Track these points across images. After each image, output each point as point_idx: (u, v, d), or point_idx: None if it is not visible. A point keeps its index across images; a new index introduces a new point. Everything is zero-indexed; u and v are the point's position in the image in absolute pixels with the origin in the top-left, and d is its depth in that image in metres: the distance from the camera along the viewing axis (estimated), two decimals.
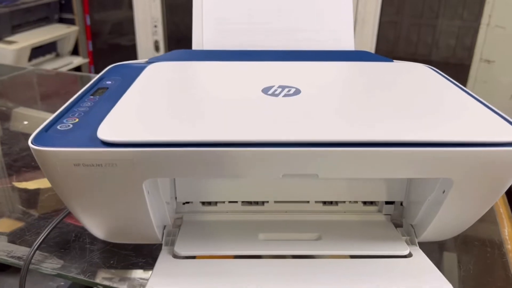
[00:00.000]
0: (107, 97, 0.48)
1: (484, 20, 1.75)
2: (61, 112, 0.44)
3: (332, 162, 0.38)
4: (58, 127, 0.41)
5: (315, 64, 0.57)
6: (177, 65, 0.57)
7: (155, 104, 0.44)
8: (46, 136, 0.40)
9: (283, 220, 0.51)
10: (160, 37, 2.06)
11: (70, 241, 0.50)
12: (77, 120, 0.43)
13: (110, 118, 0.41)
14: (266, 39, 0.64)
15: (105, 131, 0.38)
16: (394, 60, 0.61)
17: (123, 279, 0.45)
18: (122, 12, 2.18)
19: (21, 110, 0.93)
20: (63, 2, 2.10)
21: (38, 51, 1.92)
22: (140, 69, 0.56)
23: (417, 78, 0.53)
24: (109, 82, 0.53)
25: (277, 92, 0.47)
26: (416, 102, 0.45)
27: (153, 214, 0.43)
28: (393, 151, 0.37)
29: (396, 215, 0.52)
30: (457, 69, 1.96)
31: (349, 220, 0.51)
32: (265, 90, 0.48)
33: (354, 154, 0.38)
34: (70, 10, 2.12)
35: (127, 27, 2.16)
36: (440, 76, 0.53)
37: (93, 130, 0.40)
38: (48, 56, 2.01)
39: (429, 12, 1.96)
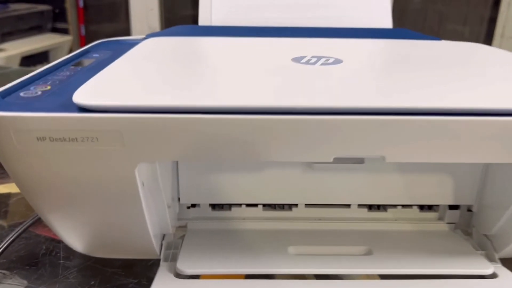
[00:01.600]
0: (91, 68, 0.37)
1: (498, 31, 1.67)
2: (28, 78, 0.33)
3: (407, 137, 0.27)
4: (22, 94, 0.30)
5: (350, 40, 0.47)
6: (183, 39, 0.46)
7: (152, 71, 0.33)
8: (2, 103, 0.28)
9: (316, 230, 0.39)
10: None
11: (38, 255, 0.38)
12: (48, 87, 0.32)
13: (92, 82, 0.30)
14: (288, 16, 0.53)
15: (83, 94, 0.27)
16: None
17: None
18: (118, 24, 2.10)
19: None
20: (57, 11, 2.01)
21: (28, 60, 1.82)
22: (133, 44, 0.45)
23: (479, 54, 0.42)
24: (96, 55, 0.43)
25: (312, 61, 0.37)
26: (489, 73, 0.34)
27: (150, 218, 0.32)
28: (494, 121, 0.26)
29: (463, 224, 0.40)
30: None
31: (402, 230, 0.40)
32: (297, 59, 0.37)
33: (442, 125, 0.26)
34: (64, 20, 2.02)
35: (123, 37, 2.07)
36: (502, 50, 0.43)
37: (68, 98, 0.28)
38: (39, 66, 1.90)
39: (429, 31, 1.89)
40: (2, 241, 0.39)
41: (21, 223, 0.43)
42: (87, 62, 0.40)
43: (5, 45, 1.75)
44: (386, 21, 0.54)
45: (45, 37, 1.94)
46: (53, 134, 0.26)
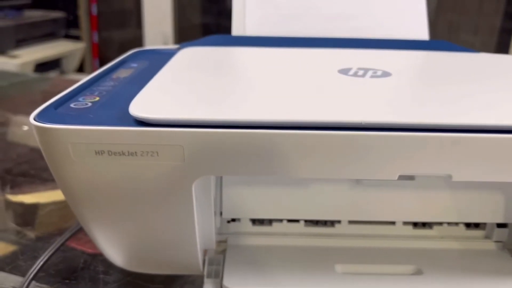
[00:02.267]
0: (134, 78, 0.37)
1: None
2: (74, 89, 0.33)
3: (476, 155, 0.26)
4: (72, 105, 0.29)
5: (392, 52, 0.46)
6: (221, 49, 0.46)
7: (202, 82, 0.33)
8: (55, 113, 0.27)
9: (361, 248, 0.38)
10: None
11: (77, 269, 0.37)
12: (97, 98, 0.31)
13: (145, 93, 0.29)
14: (323, 26, 0.53)
15: (141, 106, 0.26)
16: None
17: None
18: (131, 30, 2.10)
19: (21, 118, 0.81)
20: (70, 18, 2.02)
21: (42, 67, 1.82)
22: (169, 54, 0.45)
23: None
24: (135, 65, 0.42)
25: (360, 73, 0.36)
26: None
27: (199, 232, 0.31)
28: None
29: (511, 243, 0.39)
30: None
31: (449, 249, 0.38)
32: (344, 72, 0.36)
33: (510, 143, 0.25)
34: (77, 26, 2.03)
35: (135, 46, 2.08)
36: None
37: (121, 109, 0.28)
38: (52, 73, 1.90)
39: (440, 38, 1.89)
40: (37, 254, 0.39)
41: (53, 235, 0.42)
42: (126, 72, 0.39)
43: (19, 52, 1.75)
44: (422, 32, 0.53)
45: (58, 44, 1.95)
46: (112, 148, 0.25)
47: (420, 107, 0.28)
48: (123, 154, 0.25)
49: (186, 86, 0.31)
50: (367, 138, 0.25)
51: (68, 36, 2.02)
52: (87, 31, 2.06)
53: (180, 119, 0.25)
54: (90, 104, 0.30)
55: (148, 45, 1.98)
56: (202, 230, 0.32)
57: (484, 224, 0.39)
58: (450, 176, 0.27)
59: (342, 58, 0.41)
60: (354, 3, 0.53)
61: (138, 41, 2.04)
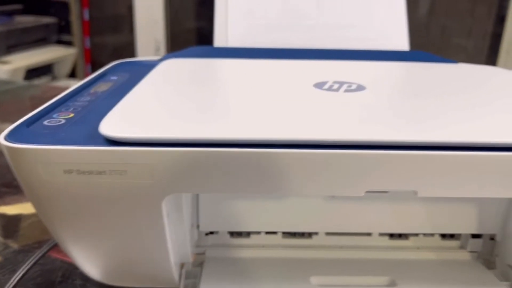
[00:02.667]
0: (111, 92, 0.37)
1: (504, 47, 1.68)
2: (50, 105, 0.33)
3: (440, 172, 0.26)
4: (46, 122, 0.30)
5: (370, 63, 0.47)
6: (201, 61, 0.46)
7: (176, 99, 0.33)
8: (27, 132, 0.28)
9: (337, 259, 0.39)
10: None
11: (55, 282, 0.37)
12: (71, 115, 0.31)
13: (117, 111, 0.29)
14: (304, 36, 0.53)
15: (110, 125, 0.27)
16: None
17: None
18: (123, 36, 2.10)
19: (7, 126, 0.81)
20: (62, 23, 2.02)
21: (33, 73, 1.82)
22: (151, 66, 0.45)
23: (501, 79, 0.42)
24: (114, 78, 0.42)
25: (335, 87, 0.36)
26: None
27: (172, 247, 0.31)
28: None
29: (485, 253, 0.40)
30: None
31: (424, 259, 0.39)
32: (319, 86, 0.37)
33: (477, 161, 0.26)
34: (69, 32, 2.03)
35: (127, 51, 2.08)
36: None
37: (92, 127, 0.28)
38: (43, 78, 1.90)
39: (433, 45, 1.90)
40: (16, 267, 0.39)
41: (35, 247, 0.43)
42: (105, 86, 0.39)
43: (10, 58, 1.75)
44: (403, 43, 0.53)
45: (50, 49, 1.94)
46: (81, 167, 0.25)
47: (387, 124, 0.28)
48: (92, 173, 0.25)
49: (159, 102, 0.32)
50: (333, 156, 0.26)
51: (60, 42, 2.02)
52: (79, 36, 2.06)
53: (148, 137, 0.25)
54: (63, 121, 0.30)
55: (140, 51, 1.99)
56: (176, 245, 0.33)
57: (459, 234, 0.40)
58: (415, 192, 0.27)
59: (319, 71, 0.42)
60: (336, 15, 0.54)
61: (130, 46, 2.04)
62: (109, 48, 2.14)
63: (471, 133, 0.27)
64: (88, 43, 2.07)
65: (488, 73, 0.44)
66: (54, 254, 0.41)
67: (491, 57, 1.77)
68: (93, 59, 2.11)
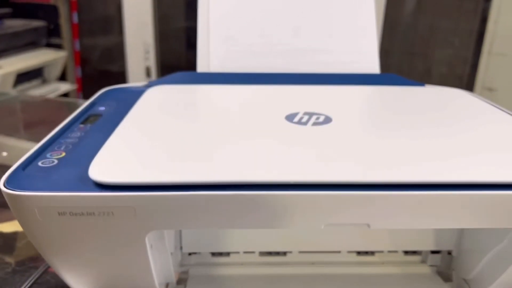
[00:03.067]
0: (99, 126, 0.40)
1: (485, 47, 1.72)
2: (44, 144, 0.36)
3: (390, 209, 0.30)
4: (40, 163, 0.33)
5: (340, 88, 0.50)
6: (182, 88, 0.49)
7: (158, 136, 0.36)
8: (23, 176, 0.31)
9: (309, 274, 0.43)
10: (152, 63, 2.00)
11: None
12: (63, 154, 0.34)
13: (104, 153, 0.33)
14: (281, 61, 0.57)
15: (98, 170, 0.30)
16: (425, 84, 0.55)
17: None
18: (112, 38, 2.12)
19: (0, 139, 0.84)
20: (51, 27, 2.03)
21: (24, 77, 1.84)
22: (138, 93, 0.48)
23: (461, 105, 0.46)
24: (102, 108, 0.45)
25: (304, 120, 0.40)
26: (471, 135, 0.37)
27: (156, 272, 0.35)
28: (470, 194, 0.29)
29: (444, 267, 0.44)
30: None
31: (388, 274, 0.43)
32: (290, 118, 0.40)
33: (415, 199, 0.30)
34: (59, 35, 2.04)
35: (117, 53, 2.10)
36: (485, 103, 0.46)
37: (83, 167, 0.31)
38: (34, 82, 1.92)
39: (420, 41, 1.94)
40: (13, 285, 0.42)
41: (30, 267, 0.46)
42: (94, 118, 0.43)
43: (0, 62, 1.76)
44: (374, 67, 0.57)
45: (40, 53, 1.96)
46: (73, 210, 0.29)
47: (343, 163, 0.32)
48: (83, 214, 0.29)
49: (143, 143, 0.35)
50: (294, 197, 0.29)
51: (49, 45, 2.04)
52: (68, 39, 2.07)
53: (131, 182, 0.29)
54: (56, 161, 0.33)
55: (130, 53, 2.01)
56: (160, 269, 0.36)
57: (420, 251, 0.44)
58: (368, 225, 0.31)
59: (292, 100, 0.45)
60: (310, 40, 0.57)
61: (120, 47, 2.06)
62: (99, 50, 2.16)
63: (416, 173, 0.31)
64: (77, 46, 2.09)
65: (450, 100, 0.47)
66: (51, 269, 0.44)
67: (476, 55, 1.81)
68: (83, 61, 2.13)
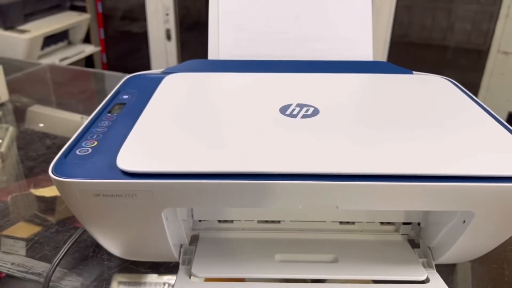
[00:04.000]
0: (124, 115, 0.48)
1: (503, 10, 1.71)
2: (79, 134, 0.44)
3: (351, 196, 0.38)
4: (77, 152, 0.41)
5: (332, 77, 0.57)
6: (194, 77, 0.57)
7: (172, 128, 0.44)
8: (66, 164, 0.40)
9: (299, 239, 0.51)
10: (171, 25, 2.05)
11: (88, 256, 0.51)
12: (95, 143, 0.43)
13: (128, 145, 0.41)
14: (283, 48, 0.63)
15: (124, 161, 0.38)
16: (413, 72, 0.60)
17: None
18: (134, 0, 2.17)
19: (35, 109, 0.93)
20: None
21: (50, 40, 1.92)
22: (156, 80, 0.56)
23: (438, 97, 0.52)
24: (126, 97, 0.53)
25: (295, 113, 0.47)
26: (438, 127, 0.44)
27: (171, 237, 0.43)
28: (412, 185, 0.37)
29: (414, 235, 0.51)
30: (472, 56, 1.93)
31: (365, 240, 0.51)
32: (283, 110, 0.47)
33: (372, 188, 0.37)
34: None
35: (138, 13, 2.15)
36: (462, 93, 0.52)
37: (112, 155, 0.40)
38: (60, 44, 2.00)
39: None
40: (58, 245, 0.52)
41: (70, 228, 0.55)
42: (119, 107, 0.50)
43: (28, 26, 1.85)
44: (367, 53, 0.63)
45: (64, 15, 2.03)
46: (105, 192, 0.37)
47: (322, 155, 0.39)
48: (113, 195, 0.37)
49: (159, 134, 0.43)
50: (278, 185, 0.37)
51: (73, 7, 2.10)
52: (91, 1, 2.13)
53: (150, 171, 0.37)
54: (90, 150, 0.42)
55: (150, 16, 2.05)
56: (173, 234, 0.45)
57: (394, 222, 0.52)
58: (337, 207, 0.39)
59: (287, 91, 0.52)
60: (310, 29, 0.63)
61: (141, 8, 2.11)
62: (120, 12, 2.22)
63: (376, 165, 0.38)
64: (100, 8, 2.14)
65: (430, 91, 0.53)
66: (85, 235, 0.54)
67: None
68: (106, 23, 2.19)
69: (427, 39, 2.02)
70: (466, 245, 0.44)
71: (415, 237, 0.51)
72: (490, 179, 0.37)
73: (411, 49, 2.08)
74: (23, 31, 1.81)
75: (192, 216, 0.51)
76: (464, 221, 0.42)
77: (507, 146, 0.41)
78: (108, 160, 0.40)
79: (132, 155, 0.39)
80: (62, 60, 1.94)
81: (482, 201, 0.38)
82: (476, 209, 0.39)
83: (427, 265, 0.47)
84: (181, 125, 0.44)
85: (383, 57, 1.88)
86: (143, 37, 2.13)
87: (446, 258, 0.46)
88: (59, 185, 0.38)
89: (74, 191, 0.37)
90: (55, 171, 0.38)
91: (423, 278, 0.45)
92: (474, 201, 0.38)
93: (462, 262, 0.50)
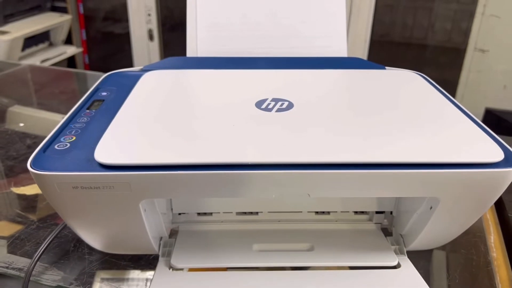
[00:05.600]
0: (102, 111, 0.49)
1: (479, 9, 1.75)
2: (58, 129, 0.45)
3: (322, 184, 0.39)
4: (56, 146, 0.42)
5: (307, 73, 0.58)
6: (171, 75, 0.58)
7: (149, 122, 0.45)
8: (44, 157, 0.40)
9: (276, 230, 0.53)
10: (154, 25, 2.05)
11: (69, 251, 0.51)
12: (74, 138, 0.44)
13: (106, 139, 0.42)
14: (260, 45, 0.64)
15: (102, 154, 0.39)
16: (386, 67, 0.62)
17: None
18: (115, 0, 2.16)
19: (16, 109, 0.93)
20: None
21: (31, 41, 1.91)
22: (135, 78, 0.57)
23: (407, 91, 0.54)
24: (105, 94, 0.54)
25: (270, 107, 0.48)
26: (405, 119, 0.46)
27: (150, 229, 0.45)
28: (379, 173, 0.38)
29: (387, 224, 0.53)
30: (452, 54, 1.97)
31: (340, 229, 0.53)
32: (259, 104, 0.49)
33: (341, 176, 0.39)
34: None
35: (120, 14, 2.15)
36: (430, 87, 0.54)
37: (90, 149, 0.41)
38: (41, 46, 1.99)
39: None
40: (39, 241, 0.53)
41: (51, 224, 0.56)
42: (98, 103, 0.51)
43: (8, 27, 1.83)
44: (342, 49, 0.65)
45: (45, 16, 2.02)
46: (83, 184, 0.38)
47: (294, 146, 0.41)
48: (91, 188, 0.38)
49: (135, 128, 0.44)
50: (251, 174, 0.38)
51: (54, 8, 2.09)
52: (72, 2, 2.12)
53: (128, 163, 0.38)
54: (68, 145, 0.42)
55: (132, 16, 2.05)
56: (153, 226, 0.46)
57: (368, 211, 0.53)
58: (309, 195, 0.40)
59: (264, 86, 0.53)
60: (287, 26, 0.64)
61: (123, 9, 2.10)
62: (102, 12, 2.21)
63: (344, 154, 0.39)
64: (81, 9, 2.14)
65: (402, 85, 0.55)
66: (66, 231, 0.55)
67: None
68: (87, 24, 2.19)
69: (408, 38, 2.06)
70: (434, 231, 0.46)
71: (388, 225, 0.53)
72: (453, 166, 0.39)
73: (392, 48, 2.11)
74: (3, 32, 1.79)
75: (172, 209, 0.52)
76: (431, 207, 0.43)
77: (470, 135, 0.43)
78: (86, 154, 0.40)
79: (110, 148, 0.40)
80: (43, 61, 1.93)
81: (446, 187, 0.40)
82: (441, 195, 0.41)
83: (399, 252, 0.49)
84: (158, 120, 0.46)
85: (363, 56, 1.91)
86: (126, 37, 2.13)
87: (416, 244, 0.48)
88: (38, 178, 0.39)
89: (53, 184, 0.38)
90: (33, 165, 0.39)
91: (394, 263, 0.47)
92: (438, 187, 0.40)
93: (433, 249, 0.52)
